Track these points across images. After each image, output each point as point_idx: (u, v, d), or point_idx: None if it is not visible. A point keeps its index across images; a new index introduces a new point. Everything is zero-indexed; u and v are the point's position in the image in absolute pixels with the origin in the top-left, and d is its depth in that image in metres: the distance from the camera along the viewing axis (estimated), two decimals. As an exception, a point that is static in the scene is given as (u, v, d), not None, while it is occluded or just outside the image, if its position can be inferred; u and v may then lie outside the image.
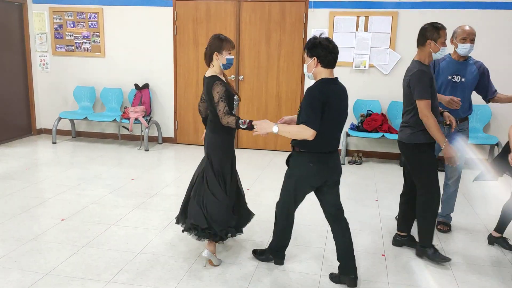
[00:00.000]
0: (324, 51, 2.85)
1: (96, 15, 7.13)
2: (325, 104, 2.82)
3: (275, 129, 2.93)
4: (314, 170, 2.98)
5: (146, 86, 7.06)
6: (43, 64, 7.51)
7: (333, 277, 3.21)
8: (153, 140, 7.28)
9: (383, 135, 6.14)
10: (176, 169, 6.09)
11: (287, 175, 3.19)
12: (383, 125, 6.22)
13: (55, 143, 7.09)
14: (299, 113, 2.94)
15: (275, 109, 6.80)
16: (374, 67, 6.44)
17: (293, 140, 3.01)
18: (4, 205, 4.40)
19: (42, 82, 7.58)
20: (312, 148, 2.93)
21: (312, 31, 6.48)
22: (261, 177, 5.53)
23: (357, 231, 4.02)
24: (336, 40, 6.34)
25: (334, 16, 6.41)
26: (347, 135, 6.35)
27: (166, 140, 7.30)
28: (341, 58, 6.32)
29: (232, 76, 6.74)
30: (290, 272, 3.29)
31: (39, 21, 7.38)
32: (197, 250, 3.54)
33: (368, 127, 6.21)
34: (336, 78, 2.98)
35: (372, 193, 5.09)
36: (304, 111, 2.85)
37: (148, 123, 6.85)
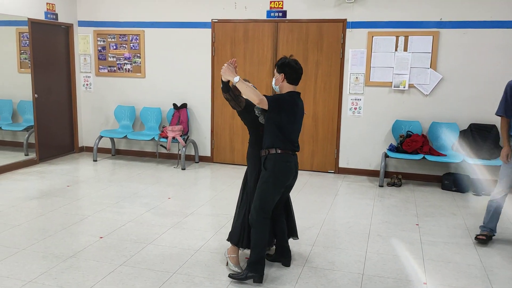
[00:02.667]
0: (290, 69, 3.36)
1: (137, 37, 7.35)
2: (289, 109, 3.32)
3: (236, 78, 3.24)
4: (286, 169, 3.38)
5: (184, 105, 7.17)
6: (87, 84, 7.78)
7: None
8: (190, 158, 7.36)
9: (424, 156, 5.95)
10: (212, 188, 6.10)
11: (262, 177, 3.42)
12: (423, 146, 6.05)
13: (96, 161, 7.27)
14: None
15: (311, 129, 6.75)
16: (414, 87, 6.31)
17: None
18: (46, 221, 4.52)
19: (85, 101, 7.84)
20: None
21: (350, 51, 6.44)
22: (296, 199, 5.46)
23: (397, 256, 3.88)
24: (374, 60, 6.35)
25: (372, 36, 6.34)
26: (386, 156, 6.20)
27: (203, 159, 7.36)
28: (379, 78, 6.37)
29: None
30: (327, 298, 3.19)
31: (84, 43, 7.67)
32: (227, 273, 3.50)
33: (408, 148, 6.05)
34: (299, 93, 3.45)
35: (412, 217, 4.92)
36: (272, 95, 3.39)
37: (186, 142, 6.93)
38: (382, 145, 6.54)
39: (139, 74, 7.46)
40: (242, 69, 6.84)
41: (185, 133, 7.08)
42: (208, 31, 6.99)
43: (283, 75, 3.38)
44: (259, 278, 3.33)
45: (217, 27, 6.96)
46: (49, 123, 7.31)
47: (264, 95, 3.27)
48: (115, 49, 7.52)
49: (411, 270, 3.64)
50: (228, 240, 3.65)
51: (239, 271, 3.46)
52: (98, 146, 7.36)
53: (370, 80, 6.45)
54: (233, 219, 3.72)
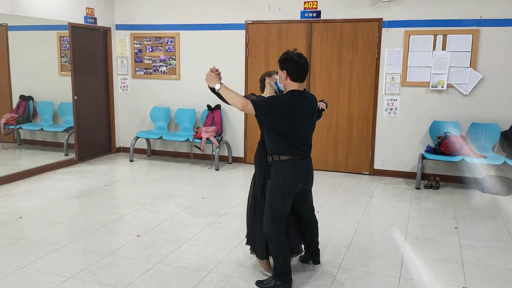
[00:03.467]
0: (293, 65, 3.04)
1: (172, 40, 7.47)
2: (285, 112, 3.00)
3: (217, 85, 3.08)
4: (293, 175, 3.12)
5: (217, 107, 7.24)
6: (124, 86, 7.97)
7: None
8: (223, 159, 7.41)
9: (463, 158, 5.79)
10: (245, 189, 6.11)
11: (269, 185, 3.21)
12: (463, 148, 5.88)
13: (132, 161, 7.43)
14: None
15: (345, 129, 6.67)
16: (453, 87, 6.14)
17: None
18: (85, 220, 4.65)
19: (122, 103, 8.03)
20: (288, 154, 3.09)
21: (386, 51, 6.34)
22: (330, 200, 5.42)
23: (435, 260, 3.79)
24: (411, 59, 6.22)
25: (409, 35, 6.22)
26: (423, 157, 6.06)
27: (236, 159, 7.41)
28: (417, 78, 6.25)
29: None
30: (363, 301, 3.15)
31: (121, 46, 7.86)
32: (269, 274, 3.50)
33: (446, 150, 5.90)
34: (304, 90, 3.16)
35: (451, 220, 4.79)
36: (261, 99, 3.12)
37: (219, 143, 6.99)
38: (418, 146, 6.39)
39: (174, 76, 7.58)
40: (275, 70, 6.82)
41: (219, 134, 7.14)
42: (242, 32, 7.03)
43: (285, 72, 3.06)
44: (288, 286, 3.23)
45: (251, 28, 6.99)
46: (88, 124, 7.52)
47: (253, 98, 3.07)
48: (151, 51, 7.66)
49: (449, 274, 3.54)
50: (251, 252, 3.53)
51: (270, 275, 3.39)
52: (134, 147, 7.52)
53: (407, 80, 6.33)
54: (247, 222, 3.62)
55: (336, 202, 5.37)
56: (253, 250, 3.52)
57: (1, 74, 7.70)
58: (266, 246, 3.34)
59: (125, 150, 8.04)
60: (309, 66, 3.06)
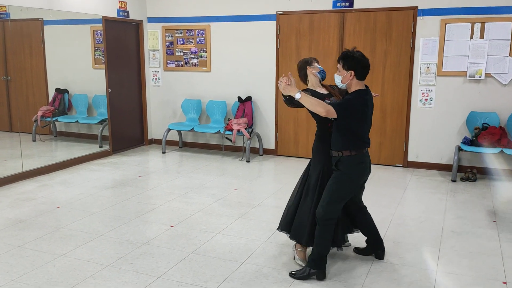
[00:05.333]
0: (361, 66, 3.12)
1: (204, 32, 7.50)
2: (359, 112, 3.14)
3: (297, 95, 3.08)
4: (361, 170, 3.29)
5: (248, 98, 7.23)
6: (155, 79, 8.06)
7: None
8: (254, 151, 7.42)
9: (502, 150, 5.60)
10: (276, 181, 6.12)
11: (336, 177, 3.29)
12: (501, 139, 5.69)
13: (164, 153, 7.53)
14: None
15: (379, 121, 6.56)
16: (491, 76, 5.94)
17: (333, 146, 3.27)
18: (121, 210, 4.74)
19: (154, 96, 8.12)
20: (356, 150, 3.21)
21: (421, 40, 6.18)
22: (364, 192, 5.33)
23: (473, 253, 3.68)
24: (447, 48, 6.05)
25: (445, 24, 6.04)
26: (459, 149, 5.90)
27: (267, 151, 7.40)
28: (453, 67, 6.07)
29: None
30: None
31: (153, 39, 7.94)
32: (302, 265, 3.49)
33: (484, 141, 5.72)
34: (367, 87, 3.25)
35: (489, 213, 4.65)
36: (340, 102, 3.20)
37: (250, 135, 6.99)
38: (455, 138, 6.22)
39: (205, 68, 7.61)
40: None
41: (250, 126, 7.14)
42: (273, 23, 6.99)
43: (352, 72, 3.11)
44: (322, 275, 3.25)
45: (282, 19, 6.93)
46: (121, 116, 7.65)
47: (331, 101, 3.16)
48: (182, 44, 7.71)
49: (489, 268, 3.44)
50: (291, 238, 3.51)
51: (303, 265, 3.39)
52: (167, 139, 7.61)
53: (443, 70, 6.15)
54: (286, 210, 3.60)
55: (369, 194, 5.27)
56: (295, 238, 3.47)
57: (37, 68, 7.91)
58: (312, 234, 3.33)
59: (157, 142, 8.14)
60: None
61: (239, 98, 7.29)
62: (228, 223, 4.36)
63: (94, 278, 3.28)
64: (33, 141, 7.68)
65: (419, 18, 6.16)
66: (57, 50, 7.83)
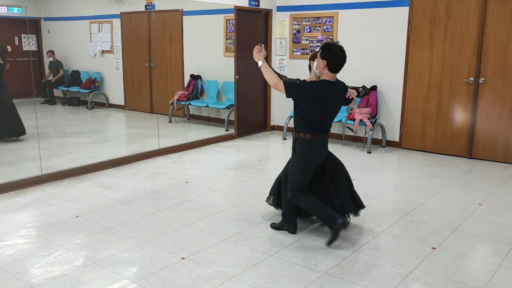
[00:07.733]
0: (334, 58, 3.38)
1: (331, 19, 7.44)
2: (311, 97, 3.39)
3: (260, 62, 3.50)
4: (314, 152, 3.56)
5: (373, 88, 7.01)
6: (281, 67, 8.23)
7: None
8: (376, 142, 7.19)
9: None
10: (398, 174, 5.87)
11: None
12: None
13: (285, 139, 7.69)
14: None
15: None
16: None
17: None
18: (241, 189, 5.00)
19: (279, 83, 8.30)
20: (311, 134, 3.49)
21: None
22: (496, 193, 4.87)
23: None
24: None
25: None
26: None
27: (390, 143, 7.12)
28: None
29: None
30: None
31: (280, 28, 8.11)
32: (415, 260, 3.34)
33: None
34: (336, 79, 3.50)
35: None
36: (294, 82, 3.51)
37: (373, 126, 6.79)
38: None
39: (331, 56, 7.54)
40: (442, 49, 6.35)
41: (373, 116, 6.93)
42: (405, 9, 6.65)
43: (325, 62, 3.38)
44: (292, 229, 3.75)
45: (416, 4, 6.55)
46: (246, 102, 7.99)
47: (288, 80, 3.43)
48: (309, 32, 7.75)
49: None
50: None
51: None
52: (288, 126, 7.76)
53: None
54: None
55: (503, 195, 4.81)
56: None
57: (176, 55, 8.63)
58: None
59: (279, 128, 8.34)
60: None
61: (364, 87, 7.08)
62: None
63: (213, 248, 3.53)
64: (169, 122, 8.44)
65: None
66: (193, 39, 8.45)
